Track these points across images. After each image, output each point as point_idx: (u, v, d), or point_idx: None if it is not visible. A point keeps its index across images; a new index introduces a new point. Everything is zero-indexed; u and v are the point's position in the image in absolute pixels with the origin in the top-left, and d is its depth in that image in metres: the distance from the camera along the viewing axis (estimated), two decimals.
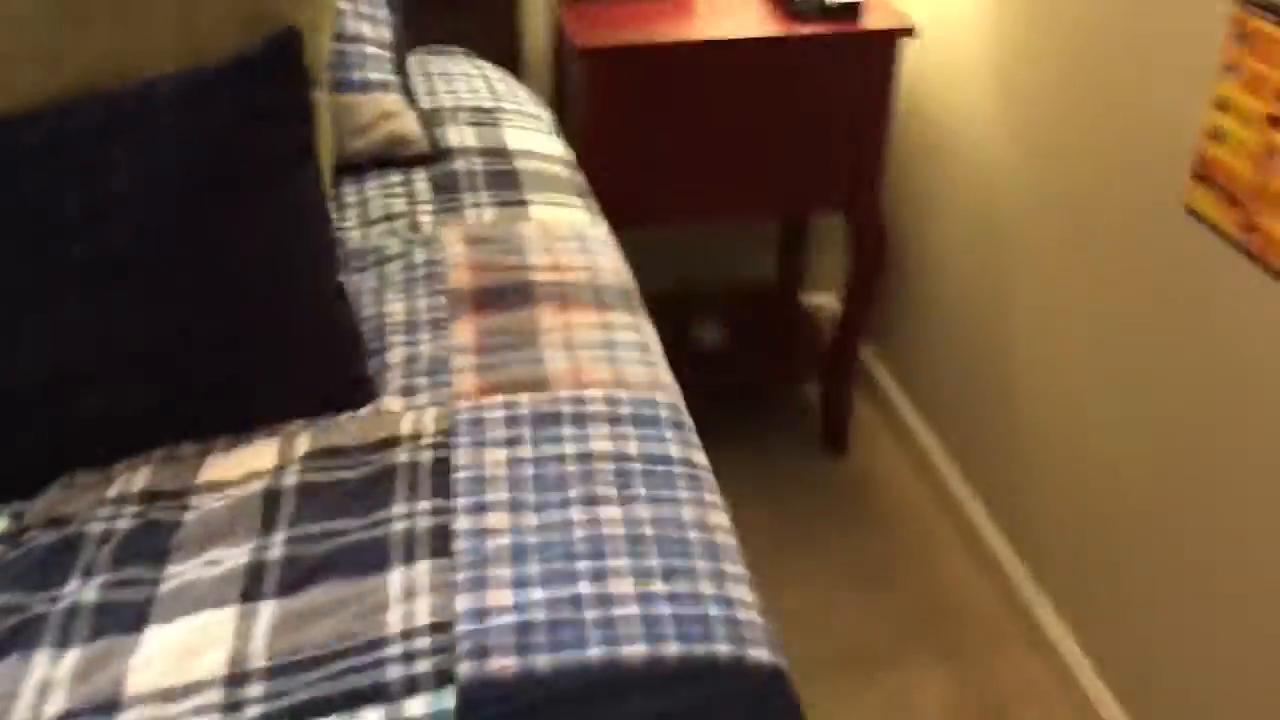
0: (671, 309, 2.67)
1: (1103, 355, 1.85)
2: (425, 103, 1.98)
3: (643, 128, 2.14)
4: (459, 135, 1.88)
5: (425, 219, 1.68)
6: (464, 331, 1.45)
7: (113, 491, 1.25)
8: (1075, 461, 1.96)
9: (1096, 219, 1.83)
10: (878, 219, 2.34)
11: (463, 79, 2.08)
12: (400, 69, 1.91)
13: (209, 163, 1.30)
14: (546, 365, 1.39)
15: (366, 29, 1.83)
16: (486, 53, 2.27)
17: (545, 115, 2.05)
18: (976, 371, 2.28)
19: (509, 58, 2.34)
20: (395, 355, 1.42)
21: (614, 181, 2.13)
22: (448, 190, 1.74)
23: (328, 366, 1.35)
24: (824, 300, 2.85)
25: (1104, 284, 1.83)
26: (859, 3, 2.15)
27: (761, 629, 1.09)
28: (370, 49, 1.82)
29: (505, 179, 1.77)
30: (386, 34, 1.87)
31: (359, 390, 1.35)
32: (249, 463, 1.27)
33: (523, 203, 1.71)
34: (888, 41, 2.16)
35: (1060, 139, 1.91)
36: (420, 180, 1.77)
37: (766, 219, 2.77)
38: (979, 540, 2.28)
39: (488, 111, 1.97)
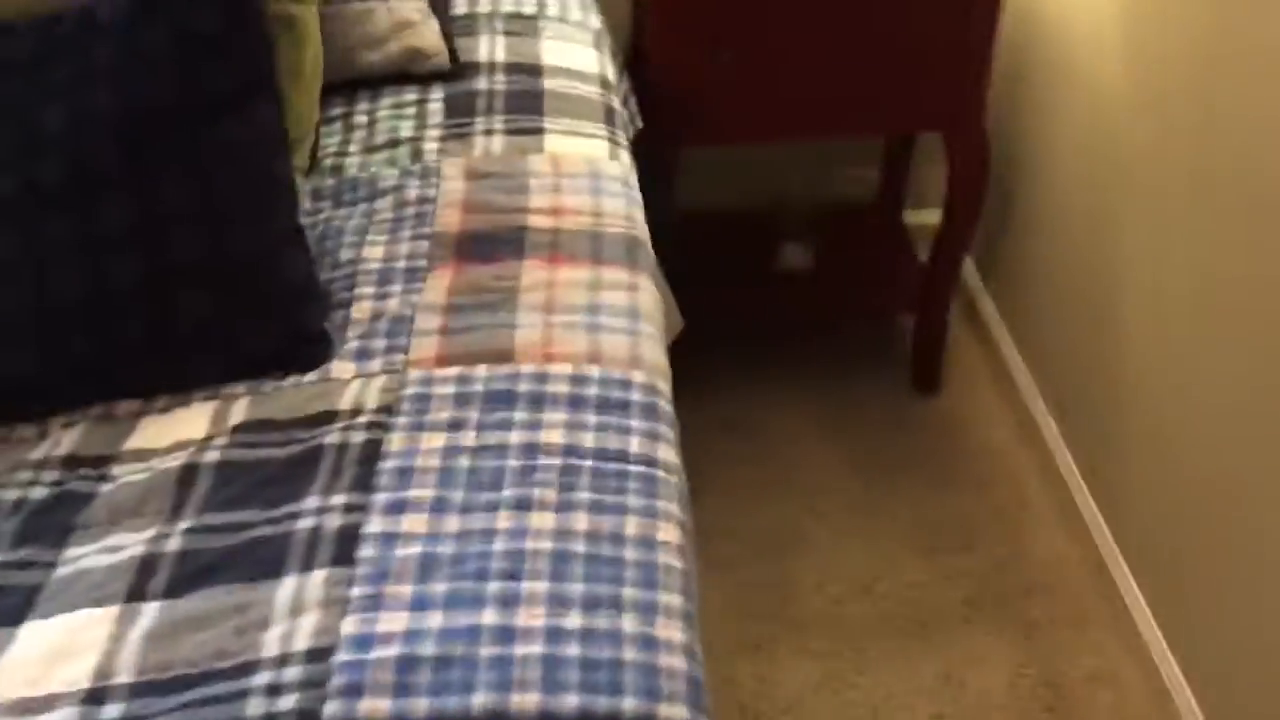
0: (758, 229, 2.48)
1: (1213, 319, 1.60)
2: (461, 6, 1.81)
3: (720, 31, 1.92)
4: (489, 47, 1.71)
5: (430, 146, 1.53)
6: (439, 284, 1.31)
7: (39, 453, 1.17)
8: (1182, 435, 1.72)
9: (1219, 161, 1.56)
10: (980, 137, 2.08)
11: None
12: None
13: (146, 97, 1.18)
14: (517, 332, 1.24)
15: None
16: None
17: (594, 23, 1.85)
18: (1082, 313, 2.03)
19: None
20: (361, 309, 1.29)
21: (688, 93, 1.94)
22: (462, 113, 1.59)
23: (276, 323, 1.23)
24: (930, 218, 2.60)
25: (1222, 240, 1.56)
26: None
27: (685, 679, 0.94)
28: None
29: (527, 101, 1.60)
30: None
31: (311, 349, 1.24)
32: (180, 430, 1.17)
33: (539, 131, 1.55)
34: None
35: (1187, 66, 1.63)
36: (435, 100, 1.61)
37: (857, 137, 2.52)
38: (1071, 507, 2.06)
39: (529, 19, 1.79)
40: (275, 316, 1.22)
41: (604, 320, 1.26)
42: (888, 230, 2.52)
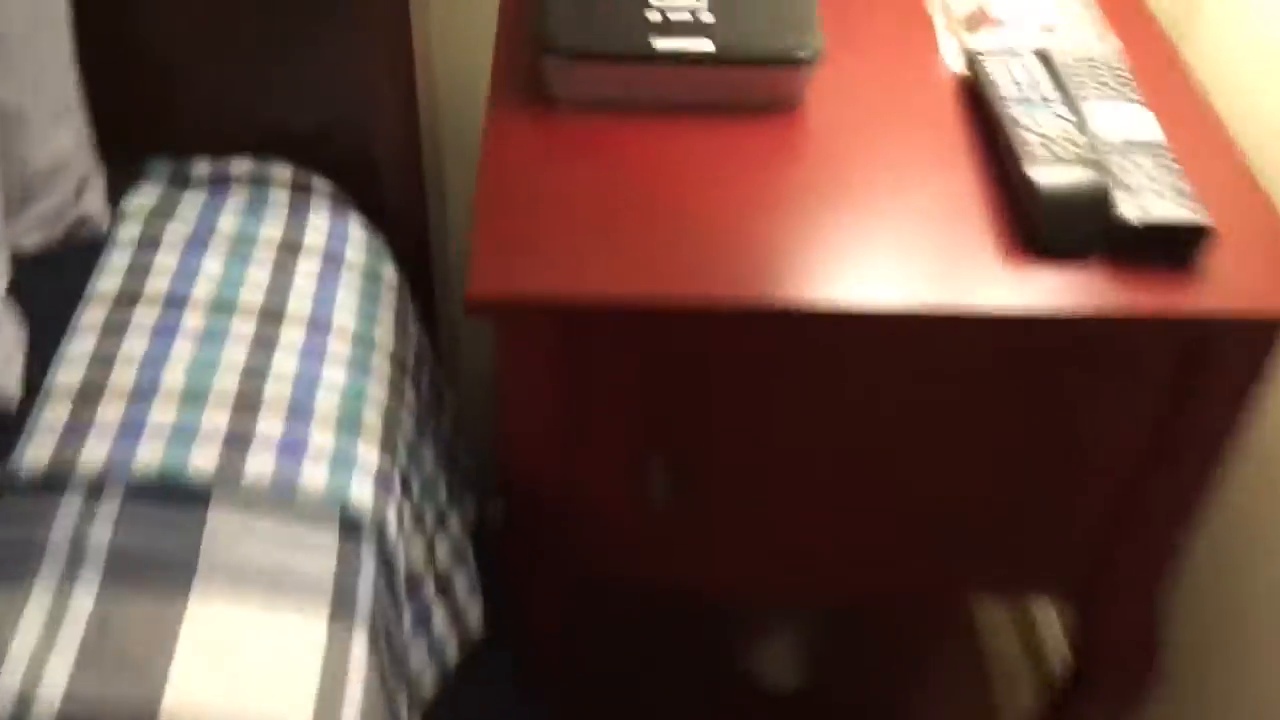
0: (721, 617, 1.48)
1: None
2: (41, 455, 0.77)
3: (654, 436, 0.91)
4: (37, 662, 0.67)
5: None
6: None
7: None
8: None
9: None
10: (1146, 613, 1.07)
11: (215, 311, 0.86)
12: None
13: None
14: None
15: None
16: (357, 170, 1.04)
17: (362, 496, 0.82)
18: None
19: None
20: None
21: (585, 538, 0.96)
22: None
23: None
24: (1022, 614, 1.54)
25: None
26: (1204, 227, 0.83)
27: None
28: None
29: None
30: None
31: None
32: None
33: None
34: (1259, 335, 0.85)
35: None
36: None
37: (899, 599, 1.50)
38: None
39: (193, 496, 0.75)
40: None
41: None
42: (940, 627, 1.51)
